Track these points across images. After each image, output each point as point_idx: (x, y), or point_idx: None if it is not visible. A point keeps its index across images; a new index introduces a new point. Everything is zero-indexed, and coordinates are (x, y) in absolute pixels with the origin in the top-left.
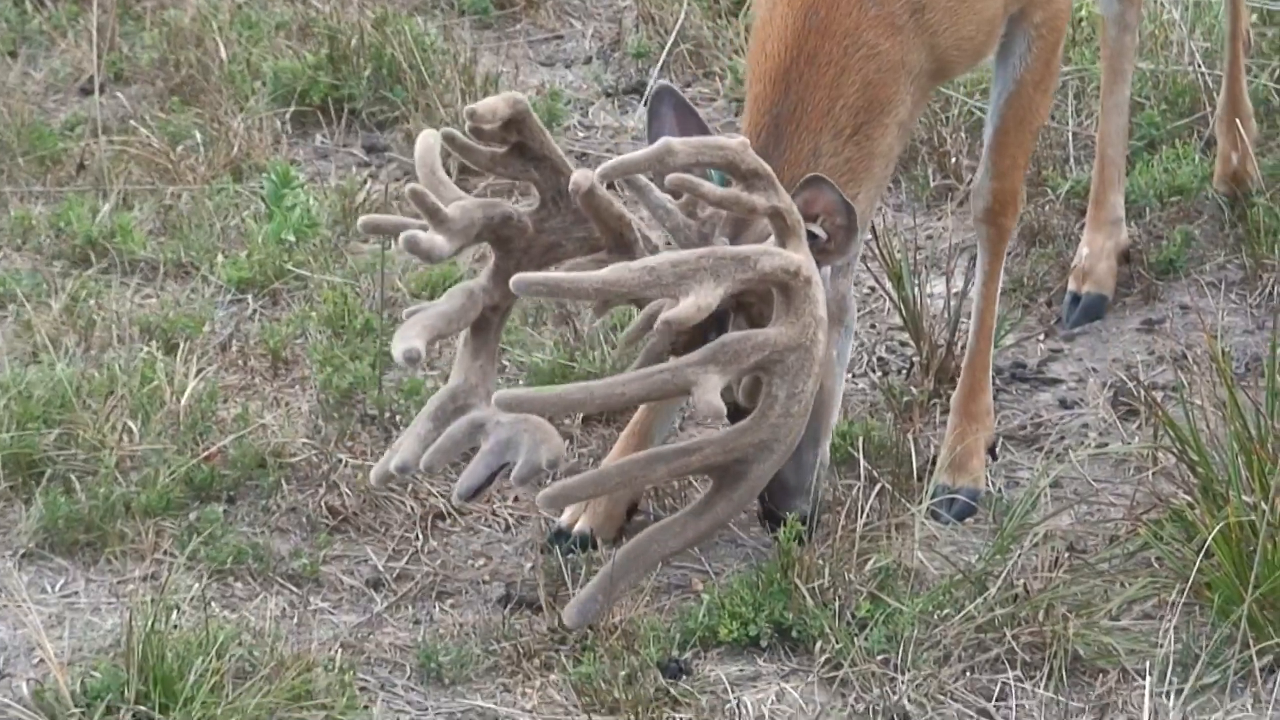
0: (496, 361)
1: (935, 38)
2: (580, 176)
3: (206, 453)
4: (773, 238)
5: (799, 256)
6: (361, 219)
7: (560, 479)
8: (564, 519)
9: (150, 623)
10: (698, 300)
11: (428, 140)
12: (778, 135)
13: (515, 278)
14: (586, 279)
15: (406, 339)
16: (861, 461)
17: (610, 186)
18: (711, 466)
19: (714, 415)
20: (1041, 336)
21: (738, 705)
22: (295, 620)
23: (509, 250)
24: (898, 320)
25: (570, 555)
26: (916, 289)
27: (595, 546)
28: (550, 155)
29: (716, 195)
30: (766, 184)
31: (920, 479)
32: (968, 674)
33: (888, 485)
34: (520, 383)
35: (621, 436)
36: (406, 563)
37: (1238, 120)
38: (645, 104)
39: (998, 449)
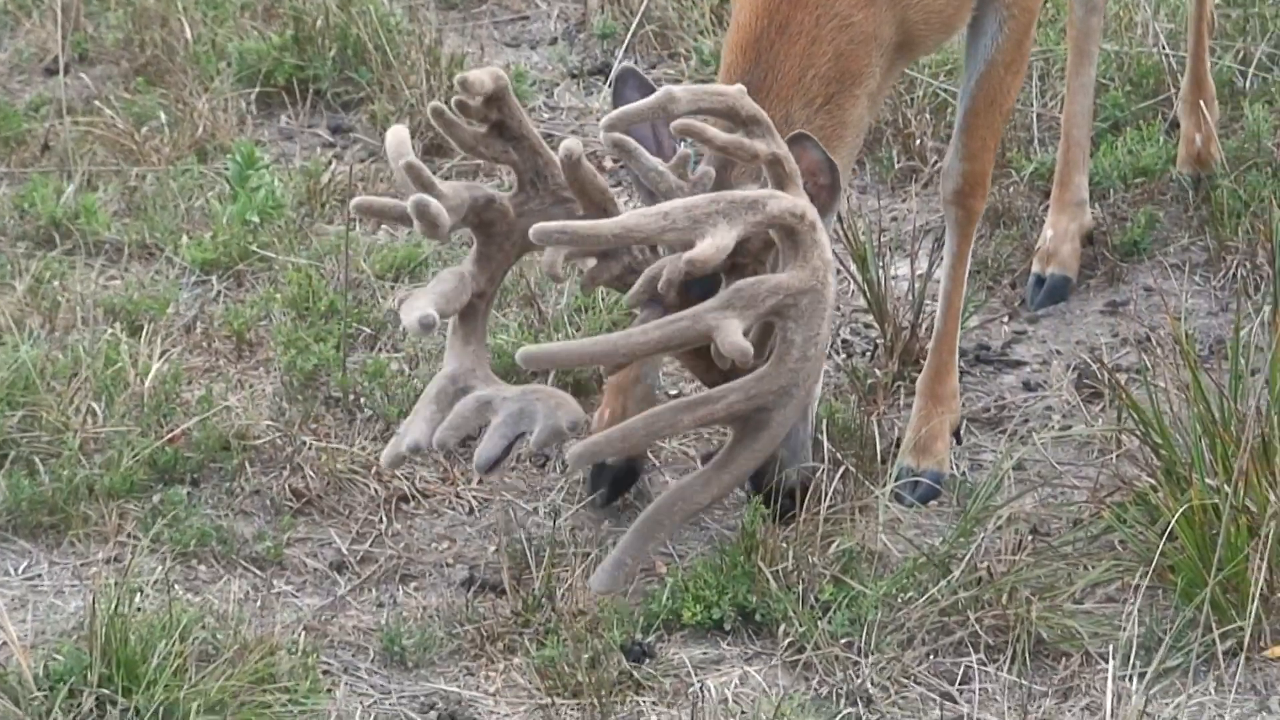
0: (486, 347)
1: (906, 10)
2: (572, 144)
3: (170, 435)
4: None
5: (803, 200)
6: (355, 200)
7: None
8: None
9: (113, 605)
10: (715, 241)
11: (399, 134)
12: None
13: (535, 227)
14: (605, 225)
15: (417, 307)
16: (825, 444)
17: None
18: (735, 415)
19: (742, 356)
20: (1005, 319)
21: (701, 688)
22: (259, 603)
23: (491, 234)
24: (862, 302)
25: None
26: (881, 271)
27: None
28: (528, 135)
29: (721, 140)
30: (765, 130)
31: (884, 462)
32: (931, 657)
33: (851, 468)
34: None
35: (608, 388)
36: (370, 546)
37: (1201, 102)
38: (610, 85)
39: (962, 431)
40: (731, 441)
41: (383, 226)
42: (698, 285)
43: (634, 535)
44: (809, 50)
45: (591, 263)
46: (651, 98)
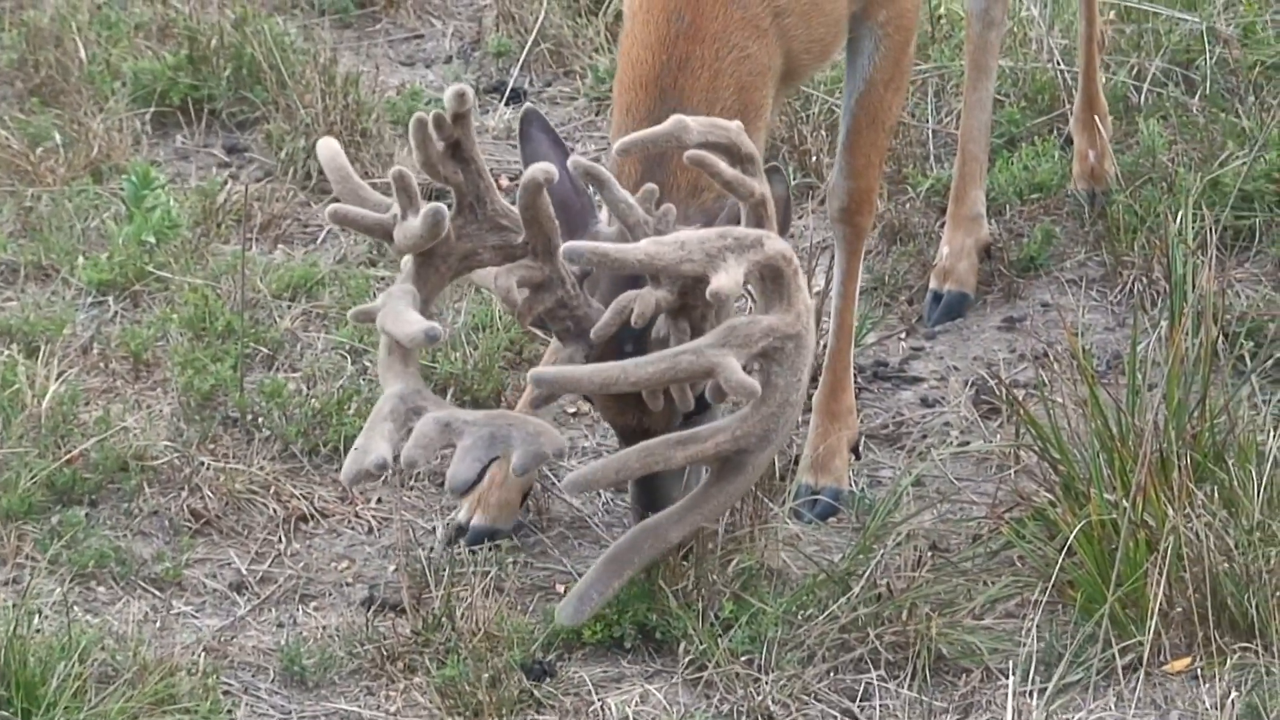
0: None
1: (790, 41)
2: (544, 169)
3: (68, 456)
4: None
5: (787, 244)
6: (331, 209)
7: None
8: (461, 515)
9: (12, 627)
10: (731, 275)
11: (331, 147)
12: None
13: (568, 245)
14: (632, 250)
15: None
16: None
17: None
18: (721, 454)
19: (749, 393)
20: (903, 335)
21: (602, 707)
22: (158, 624)
23: (430, 255)
24: None
25: (474, 550)
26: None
27: (495, 538)
28: (476, 159)
29: (728, 175)
30: (756, 169)
31: (783, 479)
32: (831, 674)
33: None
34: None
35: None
36: (269, 565)
37: (1096, 118)
38: (505, 102)
39: (860, 448)
40: (706, 483)
41: (279, 246)
42: (629, 331)
43: (602, 569)
44: (713, 84)
45: (524, 295)
46: (664, 125)
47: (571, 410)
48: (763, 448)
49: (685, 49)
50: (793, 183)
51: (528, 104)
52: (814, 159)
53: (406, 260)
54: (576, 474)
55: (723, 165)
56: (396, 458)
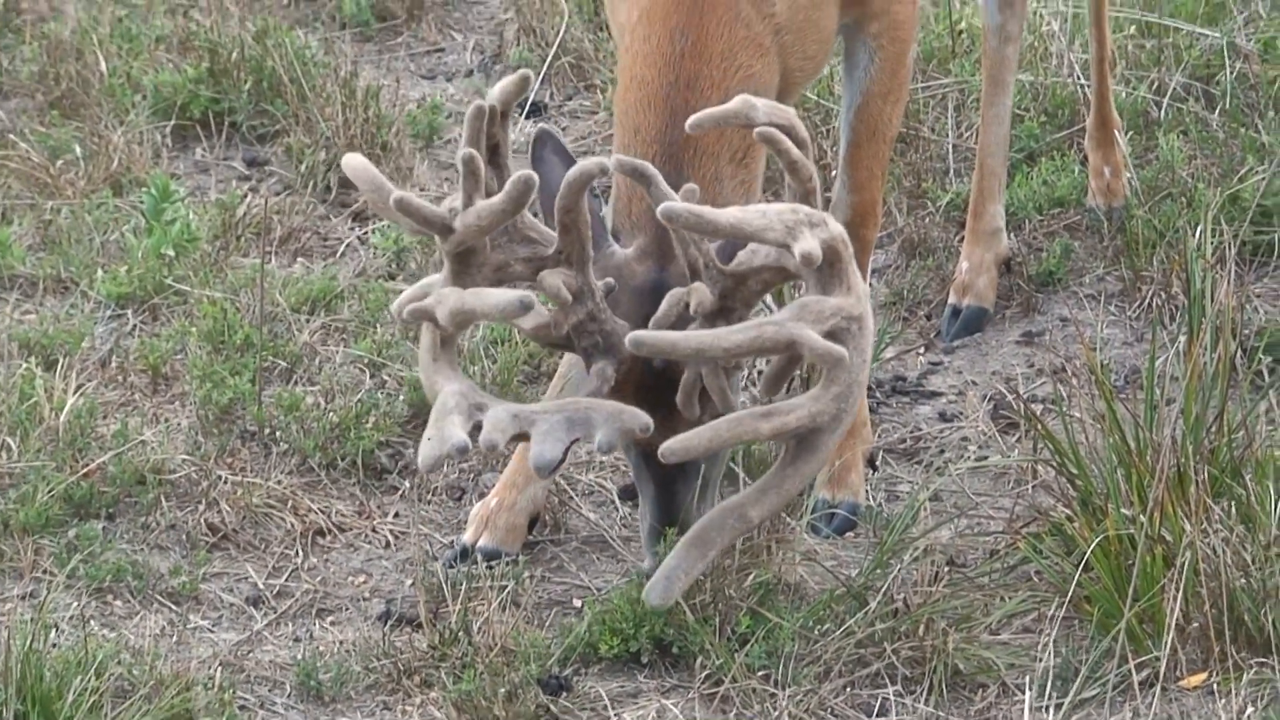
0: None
1: (788, 58)
2: (597, 163)
3: (86, 469)
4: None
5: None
6: (395, 197)
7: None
8: (467, 536)
9: (28, 641)
10: (813, 243)
11: (357, 160)
12: (676, 163)
13: (664, 206)
14: (722, 215)
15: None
16: (741, 475)
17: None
18: (801, 429)
19: (834, 360)
20: (921, 349)
21: None
22: (175, 638)
23: (468, 263)
24: None
25: (478, 571)
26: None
27: (499, 560)
28: (508, 168)
29: (794, 155)
30: (809, 156)
31: (800, 493)
32: (848, 689)
33: (746, 480)
34: (400, 399)
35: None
36: (286, 580)
37: (1116, 133)
38: (525, 115)
39: (878, 462)
40: (781, 462)
41: (298, 259)
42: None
43: (685, 549)
44: (723, 103)
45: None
46: (732, 103)
47: None
48: (834, 427)
49: (692, 68)
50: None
51: (541, 124)
52: (832, 173)
53: (444, 268)
54: (673, 441)
55: (790, 144)
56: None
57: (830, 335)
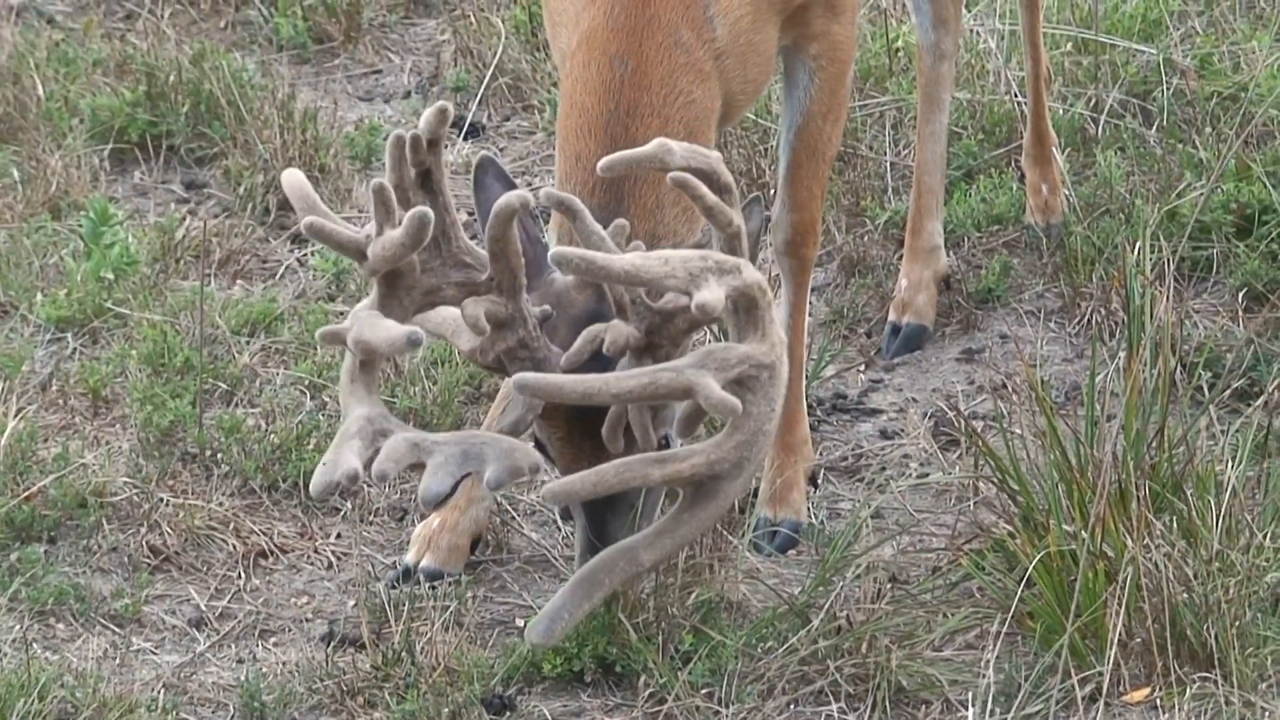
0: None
1: (729, 83)
2: (519, 196)
3: (26, 493)
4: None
5: (761, 275)
6: (306, 221)
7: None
8: (410, 557)
9: None
10: (715, 293)
11: (297, 177)
12: (617, 192)
13: (555, 251)
14: (619, 261)
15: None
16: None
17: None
18: (696, 477)
19: (729, 411)
20: (862, 367)
21: None
22: (118, 660)
23: (396, 287)
24: None
25: (421, 591)
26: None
27: (442, 580)
28: (444, 193)
29: (710, 201)
30: (733, 200)
31: (743, 511)
32: (792, 706)
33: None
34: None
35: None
36: (229, 601)
37: (1054, 151)
38: (463, 137)
39: (819, 479)
40: (679, 507)
41: (238, 282)
42: (587, 363)
43: (574, 590)
44: (664, 131)
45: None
46: (648, 147)
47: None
48: (736, 475)
49: (632, 96)
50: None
51: (483, 152)
52: (772, 192)
53: (370, 293)
54: (555, 484)
55: (705, 190)
56: (366, 469)
57: (737, 383)
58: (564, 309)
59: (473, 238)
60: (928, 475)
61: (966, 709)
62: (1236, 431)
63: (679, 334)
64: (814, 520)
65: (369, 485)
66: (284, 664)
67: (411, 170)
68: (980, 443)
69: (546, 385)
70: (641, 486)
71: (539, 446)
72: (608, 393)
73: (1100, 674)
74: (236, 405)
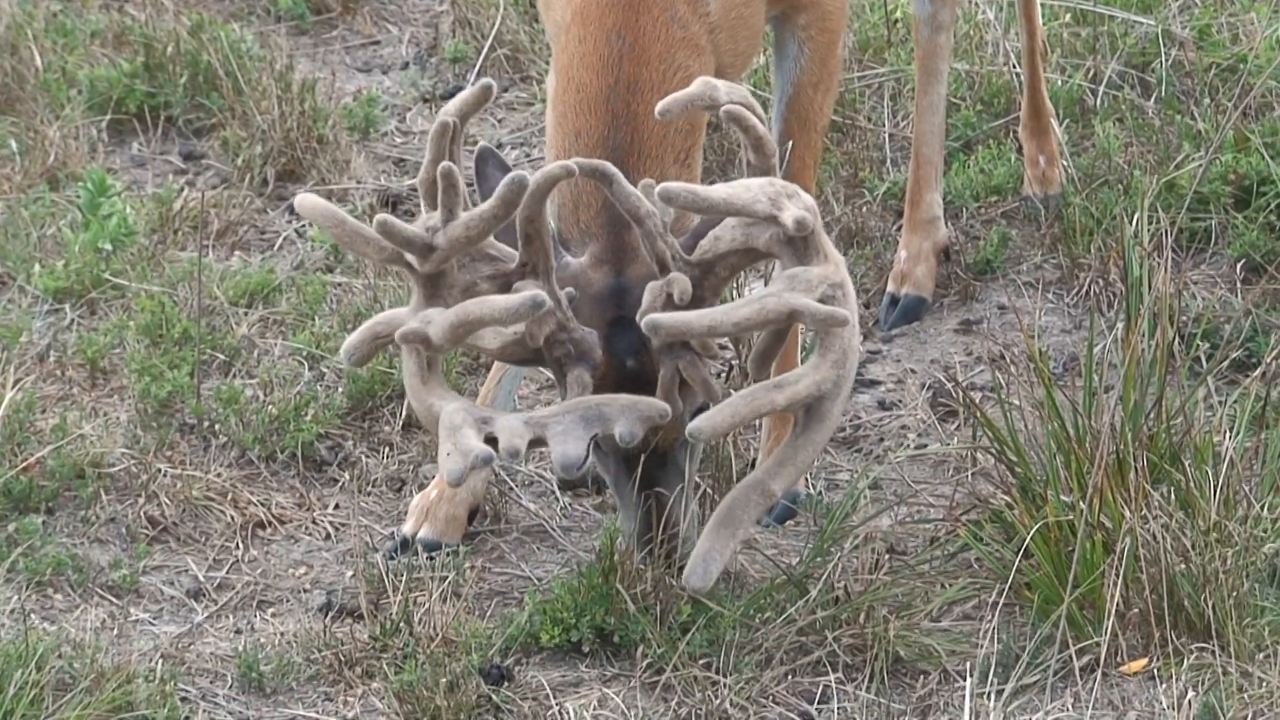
0: None
1: (721, 56)
2: (563, 166)
3: (24, 464)
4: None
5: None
6: (378, 219)
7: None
8: (407, 527)
9: None
10: (796, 213)
11: (310, 199)
12: (621, 167)
13: (663, 186)
14: (714, 192)
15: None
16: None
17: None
18: (810, 397)
19: (840, 321)
20: (860, 338)
21: (560, 711)
22: (115, 631)
23: (438, 288)
24: None
25: (419, 562)
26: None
27: (440, 551)
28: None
29: (759, 132)
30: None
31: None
32: (789, 677)
33: (708, 489)
34: (339, 391)
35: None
36: (227, 572)
37: (1052, 123)
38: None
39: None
40: (794, 433)
41: (236, 253)
42: (629, 345)
43: (715, 530)
44: None
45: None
46: (694, 86)
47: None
48: (836, 394)
49: (631, 71)
50: None
51: (482, 143)
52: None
53: (413, 296)
54: (699, 421)
55: (755, 120)
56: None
57: (822, 302)
58: (584, 289)
59: None
60: (926, 446)
61: (964, 679)
62: (1234, 402)
63: (719, 283)
64: (812, 491)
65: (510, 463)
66: (282, 634)
67: (448, 160)
68: (978, 414)
69: (676, 323)
70: (769, 413)
71: None
72: (728, 322)
73: (1098, 644)
74: (234, 376)
